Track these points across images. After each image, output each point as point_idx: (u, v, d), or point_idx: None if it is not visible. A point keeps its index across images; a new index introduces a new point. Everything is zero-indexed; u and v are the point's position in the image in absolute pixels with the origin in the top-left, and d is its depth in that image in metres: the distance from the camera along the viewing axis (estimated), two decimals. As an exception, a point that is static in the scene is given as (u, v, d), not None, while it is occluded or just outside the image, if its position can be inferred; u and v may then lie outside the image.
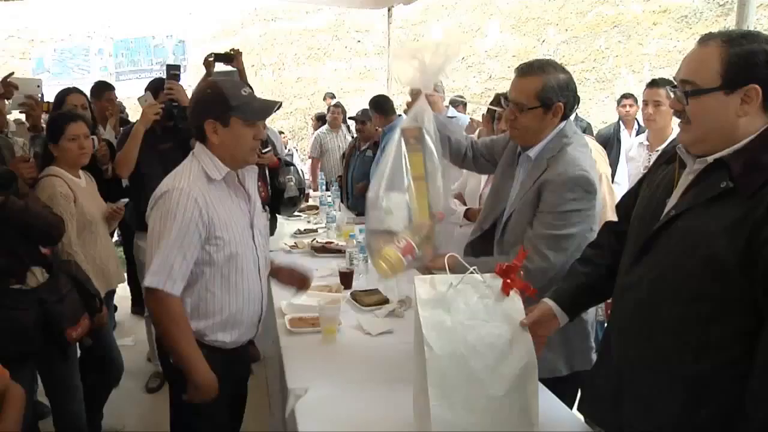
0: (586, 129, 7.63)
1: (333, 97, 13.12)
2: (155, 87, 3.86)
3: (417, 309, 1.66)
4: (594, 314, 2.36)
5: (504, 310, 1.66)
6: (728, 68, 1.36)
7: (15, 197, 2.48)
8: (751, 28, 2.66)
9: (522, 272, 1.72)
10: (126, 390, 3.76)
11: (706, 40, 1.43)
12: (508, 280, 1.68)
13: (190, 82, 4.86)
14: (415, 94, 2.21)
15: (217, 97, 2.04)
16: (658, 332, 1.48)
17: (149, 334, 4.05)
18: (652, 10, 11.81)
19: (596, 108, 11.61)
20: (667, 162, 1.61)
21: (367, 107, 5.60)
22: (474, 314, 1.65)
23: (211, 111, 2.04)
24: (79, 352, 3.09)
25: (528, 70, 2.13)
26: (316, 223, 4.87)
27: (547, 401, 1.96)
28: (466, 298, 1.66)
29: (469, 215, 3.34)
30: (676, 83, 1.47)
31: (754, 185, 1.32)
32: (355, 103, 11.35)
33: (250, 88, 2.18)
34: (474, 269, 1.67)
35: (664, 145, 2.55)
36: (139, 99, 3.77)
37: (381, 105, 5.36)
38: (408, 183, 2.00)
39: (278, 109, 2.17)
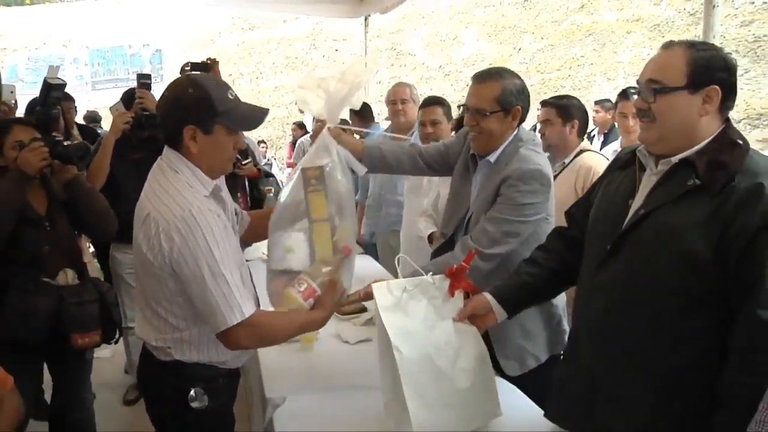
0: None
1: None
2: (128, 97, 3.83)
3: (379, 315, 1.71)
4: (564, 300, 2.42)
5: (450, 310, 1.79)
6: (693, 69, 1.46)
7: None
8: (717, 37, 2.86)
9: (476, 257, 1.85)
10: (103, 402, 3.70)
11: (670, 45, 1.54)
12: (455, 282, 1.80)
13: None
14: (318, 126, 2.14)
15: (201, 100, 1.72)
16: (633, 329, 1.52)
17: (127, 345, 3.99)
18: (625, 19, 11.98)
19: (572, 115, 11.71)
20: (622, 167, 1.69)
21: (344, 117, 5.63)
22: (427, 315, 1.75)
23: (193, 116, 1.73)
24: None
25: (486, 77, 2.20)
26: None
27: (518, 400, 2.00)
28: (417, 300, 1.76)
29: (432, 238, 3.32)
30: (639, 85, 1.56)
31: (720, 183, 1.41)
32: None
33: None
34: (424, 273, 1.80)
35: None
36: (110, 108, 3.74)
37: (362, 111, 5.38)
38: (309, 225, 1.94)
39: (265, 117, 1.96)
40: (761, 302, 1.33)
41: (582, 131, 3.42)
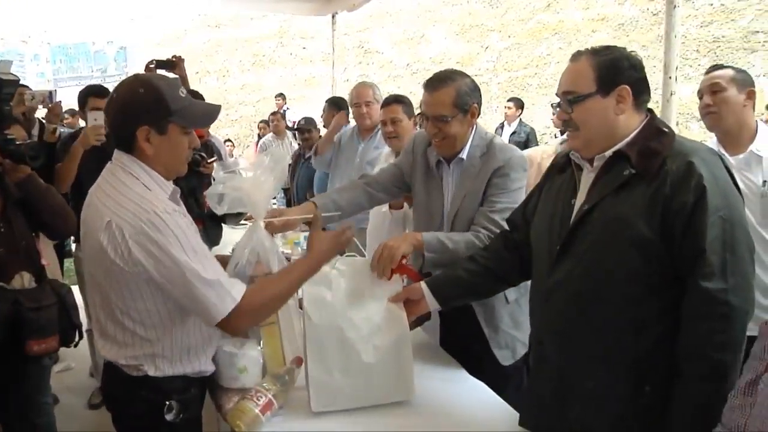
0: (530, 134, 7.83)
1: (284, 98, 13.06)
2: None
3: (303, 287, 1.83)
4: None
5: (384, 291, 1.92)
6: (600, 74, 1.55)
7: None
8: (678, 36, 2.97)
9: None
10: (67, 407, 3.63)
11: (576, 57, 1.63)
12: (397, 268, 1.92)
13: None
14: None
15: (153, 100, 1.66)
16: (595, 322, 1.56)
17: (92, 347, 3.92)
18: (591, 18, 12.17)
19: (539, 113, 11.87)
20: (560, 171, 1.76)
21: (309, 116, 5.66)
22: (353, 292, 1.89)
23: (146, 116, 1.66)
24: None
25: (438, 84, 2.20)
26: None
27: (494, 406, 2.00)
28: (347, 277, 1.90)
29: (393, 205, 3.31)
30: (558, 100, 1.64)
31: (653, 168, 1.48)
32: (301, 110, 11.32)
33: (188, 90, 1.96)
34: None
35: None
36: (89, 112, 3.61)
37: (338, 104, 5.37)
38: (260, 330, 1.98)
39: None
40: (704, 274, 1.40)
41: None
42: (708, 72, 2.57)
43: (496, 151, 2.23)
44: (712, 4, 9.79)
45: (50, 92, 3.62)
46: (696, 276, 1.41)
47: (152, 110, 1.66)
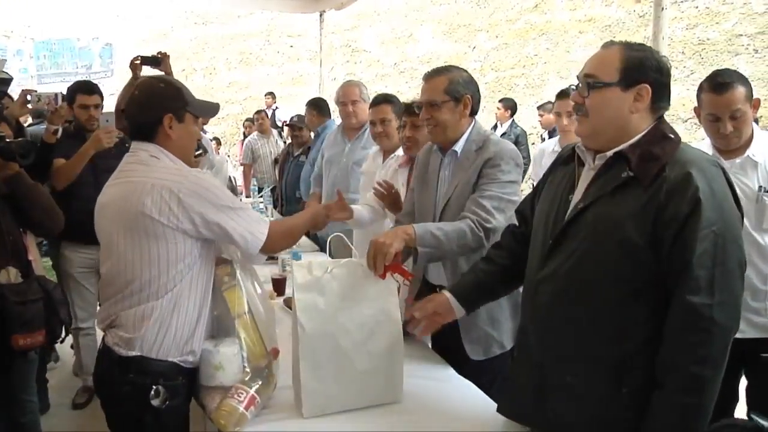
0: (520, 136, 7.81)
1: (273, 97, 13.01)
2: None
3: (294, 292, 1.84)
4: None
5: (378, 292, 1.91)
6: (626, 66, 1.53)
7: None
8: (665, 38, 3.00)
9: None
10: (51, 407, 3.61)
11: (609, 44, 1.62)
12: (389, 267, 1.90)
13: (117, 87, 4.73)
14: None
15: (174, 91, 1.97)
16: (578, 319, 1.57)
17: (77, 346, 3.88)
18: (578, 19, 12.23)
19: (526, 113, 11.91)
20: (564, 163, 1.76)
21: (301, 113, 5.60)
22: (346, 296, 1.87)
23: (170, 104, 1.94)
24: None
25: (434, 73, 2.35)
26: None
27: (472, 396, 2.02)
28: (340, 281, 1.88)
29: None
30: (578, 80, 1.63)
31: (651, 173, 1.47)
32: (288, 108, 11.28)
33: None
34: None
35: None
36: (101, 114, 3.58)
37: (319, 105, 5.35)
38: (234, 322, 1.96)
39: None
40: (690, 288, 1.40)
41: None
42: (714, 83, 2.36)
43: (490, 144, 2.28)
44: (697, 7, 9.88)
45: (56, 94, 3.58)
46: (682, 289, 1.41)
47: (174, 100, 1.95)
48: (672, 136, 1.54)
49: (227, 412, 1.79)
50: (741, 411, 2.47)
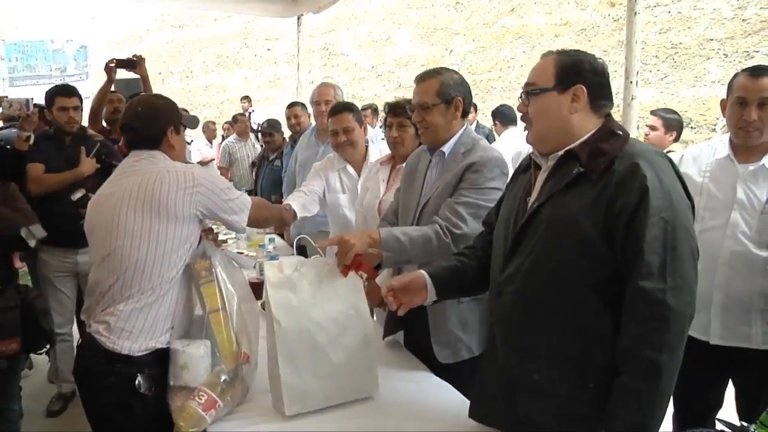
0: (489, 135, 7.90)
1: (249, 100, 12.96)
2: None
3: (267, 291, 1.89)
4: None
5: (345, 289, 1.98)
6: (560, 71, 1.61)
7: None
8: (639, 41, 3.06)
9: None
10: (25, 414, 3.55)
11: (546, 55, 1.70)
12: (351, 264, 1.96)
13: (92, 90, 4.68)
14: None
15: (172, 106, 2.26)
16: (541, 317, 1.60)
17: (53, 351, 3.82)
18: (554, 23, 12.31)
19: (503, 116, 11.97)
20: (524, 171, 1.81)
21: (272, 118, 5.65)
22: (316, 293, 1.93)
23: (172, 118, 2.21)
24: None
25: (426, 76, 2.36)
26: (225, 234, 4.78)
27: (449, 396, 2.04)
28: (309, 279, 1.94)
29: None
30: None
31: (600, 167, 1.52)
32: (265, 111, 11.23)
33: None
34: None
35: None
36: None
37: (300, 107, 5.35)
38: (206, 319, 2.01)
39: None
40: (642, 274, 1.43)
41: (677, 139, 4.30)
42: (752, 68, 2.26)
43: (478, 149, 2.30)
44: (670, 12, 10.01)
45: (27, 100, 3.57)
46: (635, 276, 1.44)
47: (172, 114, 2.24)
48: (620, 133, 1.59)
49: (187, 414, 1.83)
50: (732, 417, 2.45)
